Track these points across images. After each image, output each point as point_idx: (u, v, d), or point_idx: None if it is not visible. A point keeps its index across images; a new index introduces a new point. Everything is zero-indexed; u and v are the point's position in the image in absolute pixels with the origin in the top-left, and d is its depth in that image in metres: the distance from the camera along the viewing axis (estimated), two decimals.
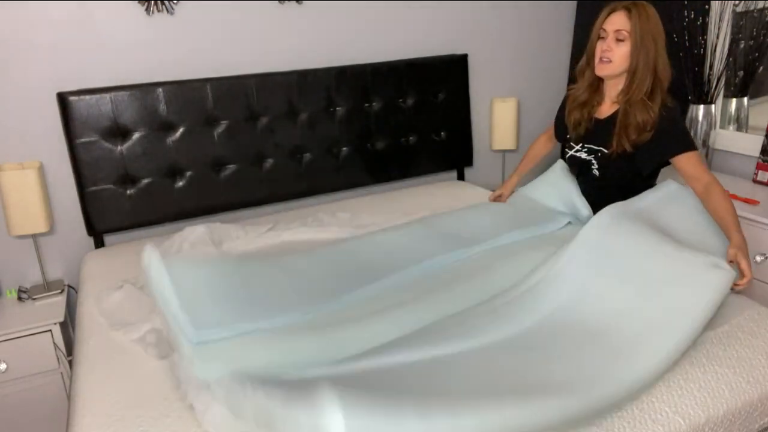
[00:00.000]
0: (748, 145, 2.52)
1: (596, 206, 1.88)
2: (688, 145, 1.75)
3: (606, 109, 1.92)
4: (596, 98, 1.93)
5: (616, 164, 1.87)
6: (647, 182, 1.92)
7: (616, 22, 1.74)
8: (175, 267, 1.53)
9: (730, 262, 1.52)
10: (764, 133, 2.43)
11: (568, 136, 2.06)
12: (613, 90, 1.87)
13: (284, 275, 1.72)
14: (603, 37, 1.78)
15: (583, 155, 1.98)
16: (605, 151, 1.88)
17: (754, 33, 2.47)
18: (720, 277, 1.42)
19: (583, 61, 1.92)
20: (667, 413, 1.24)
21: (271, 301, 1.58)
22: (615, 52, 1.75)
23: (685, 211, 1.76)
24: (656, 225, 1.66)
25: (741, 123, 2.65)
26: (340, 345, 1.43)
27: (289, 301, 1.59)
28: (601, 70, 1.80)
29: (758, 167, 2.45)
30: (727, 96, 2.65)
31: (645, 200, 1.77)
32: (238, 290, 1.58)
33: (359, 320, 1.52)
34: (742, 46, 2.52)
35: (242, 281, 1.64)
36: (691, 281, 1.44)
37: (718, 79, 2.53)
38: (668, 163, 1.85)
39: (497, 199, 2.34)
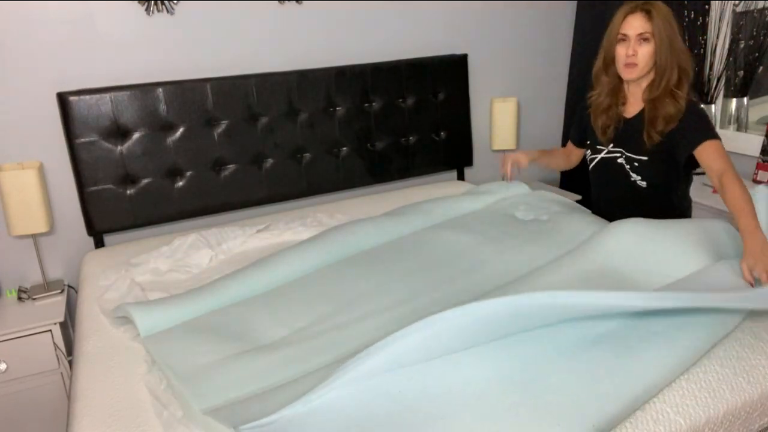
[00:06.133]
0: (748, 145, 2.53)
1: (636, 212, 1.84)
2: (709, 134, 1.73)
3: (633, 108, 1.89)
4: (619, 99, 1.91)
5: (656, 168, 1.84)
6: (687, 182, 1.92)
7: (638, 25, 1.73)
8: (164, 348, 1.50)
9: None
10: (764, 133, 2.43)
11: (595, 142, 1.99)
12: (637, 88, 1.85)
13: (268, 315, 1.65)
14: (623, 40, 1.77)
15: (621, 161, 1.91)
16: (644, 158, 1.84)
17: (754, 33, 2.48)
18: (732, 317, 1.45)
19: (598, 66, 1.90)
20: (668, 413, 1.24)
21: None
22: (639, 55, 1.74)
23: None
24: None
25: (741, 123, 2.65)
26: (336, 346, 1.44)
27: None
28: (628, 74, 1.78)
29: (758, 167, 2.45)
30: (727, 96, 2.65)
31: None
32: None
33: (350, 324, 1.53)
34: (742, 46, 2.52)
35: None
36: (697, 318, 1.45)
37: (718, 79, 2.53)
38: (697, 164, 1.80)
39: (512, 162, 2.11)
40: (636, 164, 1.87)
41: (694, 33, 2.54)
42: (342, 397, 1.21)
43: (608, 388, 1.22)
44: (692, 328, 1.40)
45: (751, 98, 2.61)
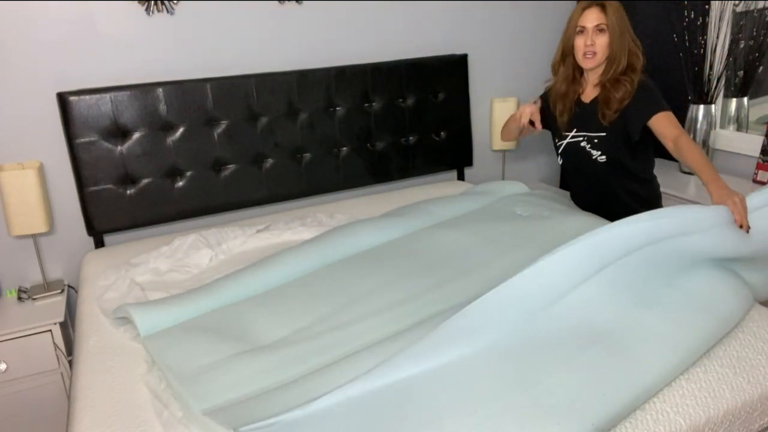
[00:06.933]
0: (748, 145, 2.52)
1: (605, 192, 2.11)
2: (660, 107, 1.89)
3: (589, 93, 2.07)
4: (575, 87, 2.08)
5: (613, 143, 2.00)
6: (646, 159, 2.06)
7: (594, 18, 1.91)
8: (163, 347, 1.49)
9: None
10: (764, 133, 2.43)
11: (559, 130, 2.14)
12: (594, 76, 2.02)
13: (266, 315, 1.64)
14: (581, 32, 1.94)
15: (583, 144, 2.07)
16: (602, 135, 2.00)
17: (754, 33, 2.47)
18: (732, 311, 1.47)
19: (556, 58, 2.08)
20: (668, 413, 1.24)
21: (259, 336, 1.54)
22: (597, 45, 1.92)
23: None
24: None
25: (741, 123, 2.65)
26: (336, 346, 1.44)
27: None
28: (588, 63, 1.95)
29: (758, 167, 2.45)
30: (727, 96, 2.65)
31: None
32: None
33: (350, 324, 1.53)
34: (742, 46, 2.52)
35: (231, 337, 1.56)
36: (694, 308, 1.46)
37: (718, 79, 2.53)
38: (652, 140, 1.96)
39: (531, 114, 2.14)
40: (596, 141, 2.03)
41: (694, 33, 2.54)
42: (341, 401, 1.21)
43: (608, 388, 1.22)
44: (692, 328, 1.40)
45: (751, 98, 2.61)
